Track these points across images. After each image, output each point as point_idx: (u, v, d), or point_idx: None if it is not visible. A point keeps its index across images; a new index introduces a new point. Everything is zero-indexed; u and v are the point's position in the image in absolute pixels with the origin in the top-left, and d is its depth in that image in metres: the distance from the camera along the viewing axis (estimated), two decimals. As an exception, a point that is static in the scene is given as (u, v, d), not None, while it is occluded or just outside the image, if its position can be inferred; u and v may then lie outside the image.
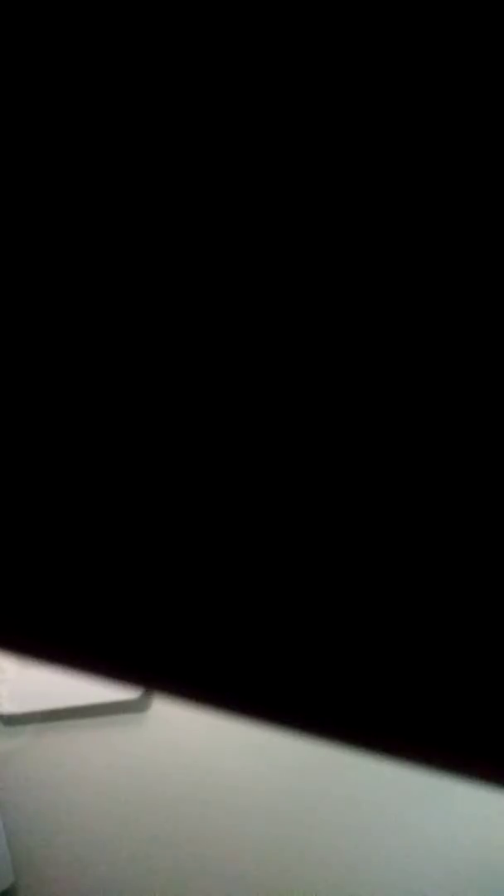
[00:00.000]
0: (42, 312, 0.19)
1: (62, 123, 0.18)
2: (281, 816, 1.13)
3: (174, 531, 0.19)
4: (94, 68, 0.17)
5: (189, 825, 1.17)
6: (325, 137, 0.16)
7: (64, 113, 0.18)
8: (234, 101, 0.16)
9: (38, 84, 0.18)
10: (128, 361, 0.19)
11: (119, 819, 1.20)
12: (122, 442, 0.19)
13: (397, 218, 0.16)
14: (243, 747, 1.13)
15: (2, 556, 0.21)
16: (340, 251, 0.16)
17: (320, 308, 0.17)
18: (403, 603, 0.18)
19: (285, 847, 1.13)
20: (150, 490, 0.19)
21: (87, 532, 0.20)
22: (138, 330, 0.18)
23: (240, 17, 0.16)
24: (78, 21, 0.17)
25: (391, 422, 0.17)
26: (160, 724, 1.17)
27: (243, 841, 1.15)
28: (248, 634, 0.19)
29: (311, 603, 0.19)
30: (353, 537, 0.18)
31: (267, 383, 0.18)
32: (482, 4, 0.15)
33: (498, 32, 0.15)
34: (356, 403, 0.17)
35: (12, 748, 1.23)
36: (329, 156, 0.16)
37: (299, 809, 1.12)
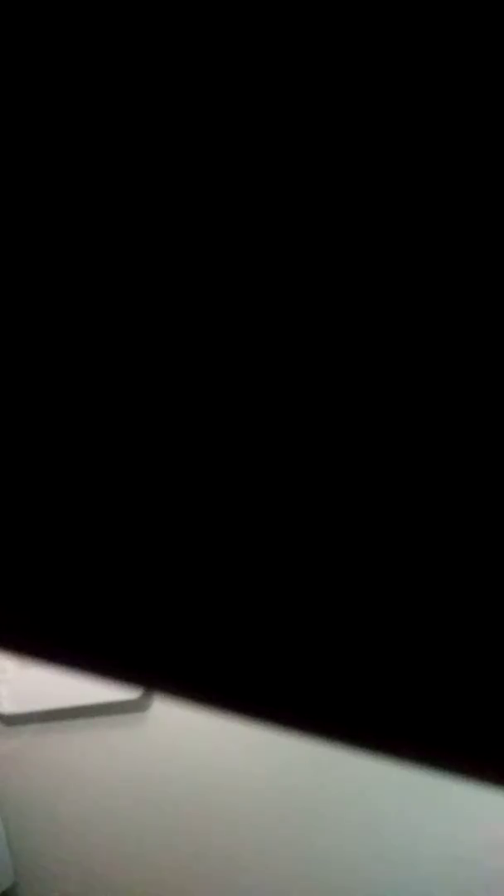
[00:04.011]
0: (41, 312, 0.19)
1: (62, 123, 0.18)
2: (281, 816, 1.13)
3: (174, 531, 0.19)
4: (94, 67, 0.17)
5: (189, 825, 1.17)
6: (324, 137, 0.16)
7: (64, 113, 0.18)
8: (234, 101, 0.16)
9: (37, 83, 0.18)
10: (128, 360, 0.19)
11: (119, 819, 1.20)
12: (122, 442, 0.19)
13: (397, 217, 0.16)
14: (243, 747, 1.13)
15: (2, 557, 0.21)
16: (340, 250, 0.16)
17: (320, 307, 0.17)
18: (403, 603, 0.18)
19: (286, 847, 1.13)
20: (150, 490, 0.19)
21: (87, 532, 0.20)
22: (138, 329, 0.18)
23: (240, 16, 0.16)
24: (78, 20, 0.17)
25: (391, 422, 0.17)
26: (160, 724, 1.17)
27: (244, 840, 1.15)
28: (248, 634, 0.19)
29: (312, 603, 0.19)
30: (354, 538, 0.18)
31: (267, 384, 0.18)
32: (482, 4, 0.15)
33: (498, 32, 0.15)
34: (356, 404, 0.17)
35: (12, 748, 1.23)
36: (329, 155, 0.16)
37: (300, 809, 1.12)
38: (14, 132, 0.18)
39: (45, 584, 0.21)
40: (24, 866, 1.24)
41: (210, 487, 0.19)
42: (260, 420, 0.18)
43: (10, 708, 1.20)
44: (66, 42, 0.17)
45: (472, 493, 0.17)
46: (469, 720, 0.18)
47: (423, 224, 0.16)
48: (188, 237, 0.17)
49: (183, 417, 0.18)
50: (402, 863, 1.08)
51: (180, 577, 0.20)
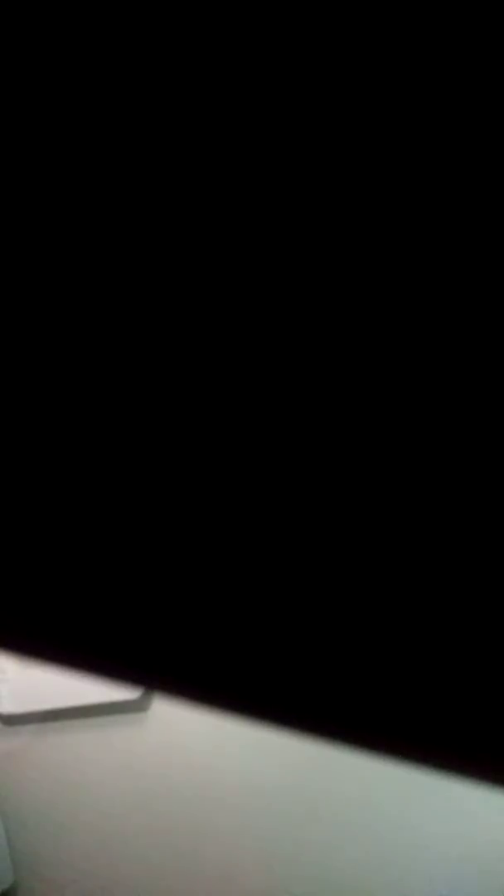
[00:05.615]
0: (42, 312, 0.19)
1: (62, 123, 0.18)
2: (281, 816, 1.13)
3: (174, 531, 0.19)
4: (94, 67, 0.17)
5: (189, 825, 1.17)
6: (324, 137, 0.16)
7: (64, 112, 0.18)
8: (234, 101, 0.16)
9: (37, 83, 0.18)
10: (128, 359, 0.19)
11: (119, 819, 1.20)
12: (122, 442, 0.19)
13: (397, 218, 0.16)
14: (244, 747, 1.13)
15: (1, 557, 0.21)
16: (340, 250, 0.16)
17: (320, 307, 0.17)
18: (403, 602, 0.18)
19: (286, 847, 1.13)
20: (150, 490, 0.19)
21: (87, 532, 0.20)
22: (138, 329, 0.18)
23: (240, 15, 0.16)
24: (78, 20, 0.17)
25: (391, 422, 0.17)
26: (160, 724, 1.17)
27: (244, 840, 1.15)
28: (247, 634, 0.19)
29: (311, 603, 0.19)
30: (353, 537, 0.18)
31: (266, 383, 0.18)
32: (482, 4, 0.15)
33: (498, 32, 0.15)
34: (356, 404, 0.17)
35: (12, 748, 1.23)
36: (329, 155, 0.16)
37: (300, 809, 1.12)
38: (15, 132, 0.18)
39: (46, 584, 0.21)
40: (24, 866, 1.24)
41: (210, 488, 0.19)
42: (260, 421, 0.18)
43: (10, 708, 1.20)
44: (67, 42, 0.17)
45: (472, 494, 0.17)
46: (469, 720, 0.18)
47: (422, 224, 0.16)
48: (188, 237, 0.17)
49: (183, 417, 0.19)
50: (402, 863, 1.08)
51: (180, 578, 0.20)
